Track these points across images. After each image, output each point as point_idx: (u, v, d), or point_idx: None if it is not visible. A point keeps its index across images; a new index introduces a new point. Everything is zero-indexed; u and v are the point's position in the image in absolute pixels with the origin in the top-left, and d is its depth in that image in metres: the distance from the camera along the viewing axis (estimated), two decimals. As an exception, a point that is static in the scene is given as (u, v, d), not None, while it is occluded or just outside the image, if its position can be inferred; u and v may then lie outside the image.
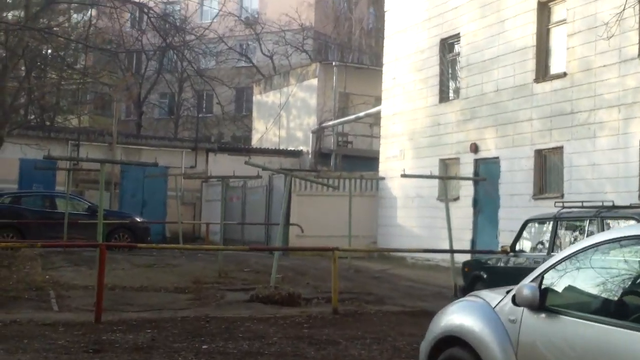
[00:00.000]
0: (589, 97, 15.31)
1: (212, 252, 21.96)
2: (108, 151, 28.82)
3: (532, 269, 10.43)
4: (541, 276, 5.07)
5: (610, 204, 10.23)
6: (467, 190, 19.05)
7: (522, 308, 4.96)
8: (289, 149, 32.58)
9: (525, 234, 11.12)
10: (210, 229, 28.42)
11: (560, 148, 16.09)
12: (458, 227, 19.18)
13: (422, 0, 21.53)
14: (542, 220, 10.91)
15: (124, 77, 44.96)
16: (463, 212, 19.20)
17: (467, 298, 6.03)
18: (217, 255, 21.23)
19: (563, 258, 4.97)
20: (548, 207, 16.20)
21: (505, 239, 17.34)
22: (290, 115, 33.52)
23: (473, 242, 18.83)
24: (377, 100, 31.61)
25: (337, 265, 11.71)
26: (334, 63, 30.86)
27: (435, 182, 20.36)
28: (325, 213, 23.44)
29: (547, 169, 16.67)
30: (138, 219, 22.45)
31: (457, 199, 19.52)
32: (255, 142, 36.09)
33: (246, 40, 46.17)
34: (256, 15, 45.58)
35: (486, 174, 18.19)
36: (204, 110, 48.66)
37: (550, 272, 5.05)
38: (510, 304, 5.16)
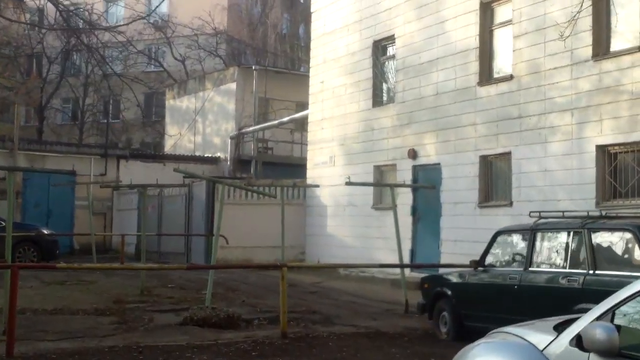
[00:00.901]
0: (539, 101, 14.61)
1: (130, 268, 20.37)
2: (9, 158, 26.57)
3: (508, 287, 9.62)
4: (611, 313, 4.00)
5: (598, 213, 9.39)
6: (404, 198, 18.10)
7: (588, 354, 3.89)
8: (205, 155, 31.05)
9: (496, 246, 10.16)
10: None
11: (508, 154, 15.33)
12: (395, 237, 18.26)
13: (353, 0, 20.54)
14: (516, 232, 9.96)
15: (25, 80, 42.44)
16: (401, 220, 18.15)
17: (495, 336, 4.90)
18: (134, 270, 19.66)
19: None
20: (495, 216, 15.48)
21: (448, 249, 16.51)
22: (206, 120, 32.02)
23: (412, 252, 17.91)
24: (299, 106, 30.61)
25: (285, 283, 10.45)
26: (253, 67, 29.58)
27: (370, 189, 19.38)
28: (251, 223, 22.14)
29: (493, 176, 15.90)
30: (45, 231, 20.51)
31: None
32: (168, 148, 34.37)
33: (156, 44, 44.33)
34: (166, 19, 43.73)
35: (426, 181, 17.32)
36: (110, 115, 46.50)
37: (625, 307, 3.99)
38: (568, 346, 4.06)
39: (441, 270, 12.86)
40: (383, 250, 18.77)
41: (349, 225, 20.25)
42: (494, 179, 15.88)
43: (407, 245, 17.99)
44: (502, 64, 15.92)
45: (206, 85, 32.20)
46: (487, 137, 15.82)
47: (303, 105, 30.52)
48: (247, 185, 19.40)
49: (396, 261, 18.34)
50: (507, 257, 9.92)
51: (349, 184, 13.27)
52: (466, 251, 16.06)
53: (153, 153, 32.76)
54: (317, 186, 17.74)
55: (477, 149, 16.08)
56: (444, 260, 16.67)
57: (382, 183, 14.00)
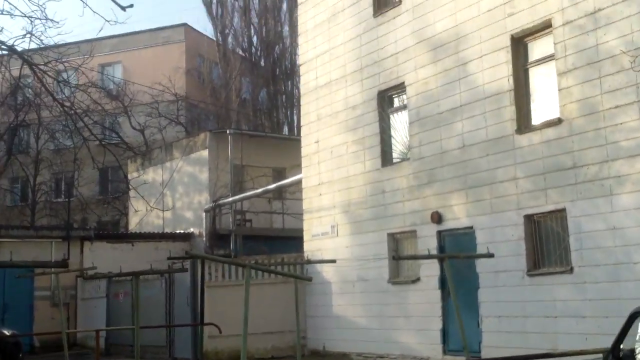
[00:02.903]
0: (599, 147, 12.43)
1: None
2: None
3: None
4: None
5: None
6: (429, 268, 15.63)
7: None
8: (177, 231, 28.21)
9: (634, 329, 7.71)
10: (89, 334, 23.52)
11: (561, 211, 13.04)
12: (420, 315, 15.82)
13: (351, 47, 18.36)
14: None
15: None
16: (426, 296, 15.74)
17: None
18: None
19: None
20: (551, 285, 13.09)
21: (490, 327, 14.03)
22: (176, 193, 29.25)
23: (444, 332, 15.34)
24: (277, 172, 28.19)
25: None
26: (228, 131, 27.05)
27: (384, 262, 16.89)
28: (242, 306, 19.30)
29: (543, 238, 13.55)
30: (6, 332, 17.37)
31: (416, 280, 16.06)
32: (133, 226, 31.37)
33: (112, 114, 41.63)
34: (120, 88, 41.16)
35: (455, 248, 14.92)
36: (62, 194, 43.37)
37: None
38: None
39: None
40: (405, 331, 16.25)
41: (360, 303, 17.63)
42: (544, 241, 13.53)
43: (436, 325, 15.49)
44: (545, 107, 13.76)
45: (174, 154, 29.55)
46: (533, 193, 13.54)
47: (280, 172, 28.24)
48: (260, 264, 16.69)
49: (422, 341, 15.88)
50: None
51: (397, 258, 10.75)
52: (515, 328, 13.71)
53: (120, 233, 29.73)
54: (334, 261, 15.19)
55: (520, 207, 13.76)
56: (487, 340, 14.18)
57: (434, 255, 11.52)
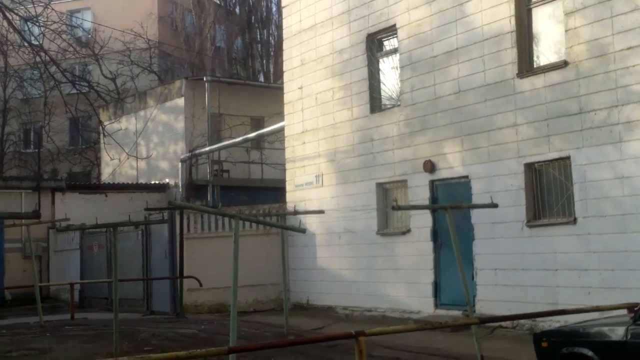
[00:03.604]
0: (608, 91, 11.72)
1: (84, 324, 16.63)
2: None
3: None
4: None
5: None
6: (421, 219, 14.99)
7: None
8: (152, 182, 27.29)
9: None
10: (62, 287, 22.76)
11: (565, 159, 12.37)
12: (411, 267, 15.23)
13: (336, -11, 17.41)
14: None
15: None
16: (417, 248, 15.11)
17: None
18: (90, 327, 15.95)
19: None
20: (552, 237, 12.48)
21: (486, 280, 13.44)
22: (150, 143, 28.23)
23: (436, 285, 14.75)
24: (255, 121, 27.32)
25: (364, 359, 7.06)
26: (205, 78, 26.02)
27: (372, 212, 16.22)
28: (222, 259, 18.60)
29: (544, 187, 12.89)
30: (-25, 285, 16.52)
31: (406, 231, 15.42)
32: (106, 177, 30.36)
33: (82, 62, 40.15)
34: (90, 35, 39.65)
35: (449, 198, 14.23)
36: (31, 145, 42.06)
37: None
38: None
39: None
40: (394, 284, 15.66)
41: (346, 256, 16.97)
42: (546, 191, 12.87)
43: (427, 278, 14.90)
44: (549, 50, 12.99)
45: (148, 102, 28.45)
46: (534, 140, 12.85)
47: (258, 121, 27.34)
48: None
49: (412, 294, 15.31)
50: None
51: (396, 208, 10.01)
52: (512, 281, 13.15)
53: (93, 183, 28.70)
54: (322, 212, 14.49)
55: (520, 155, 13.08)
56: (481, 294, 13.61)
57: (436, 205, 10.71)
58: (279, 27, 45.24)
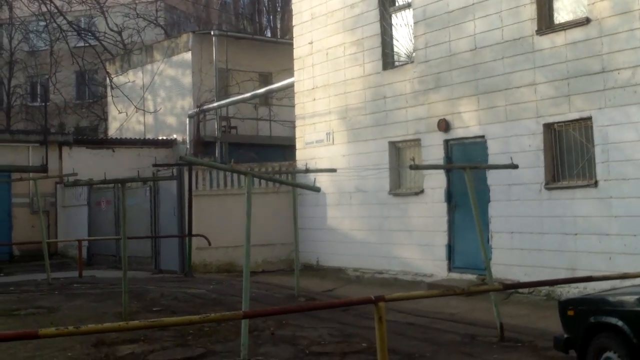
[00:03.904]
0: (632, 49, 11.28)
1: (92, 283, 16.49)
2: None
3: None
4: None
5: None
6: (434, 180, 14.67)
7: None
8: (159, 137, 26.97)
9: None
10: (70, 243, 22.60)
11: (587, 120, 11.99)
12: (424, 229, 14.95)
13: (347, -60, 16.84)
14: None
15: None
16: (430, 209, 14.82)
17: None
18: (98, 286, 15.80)
19: None
20: (571, 199, 12.15)
21: (502, 243, 13.16)
22: (157, 98, 27.81)
23: (450, 248, 14.48)
24: (263, 77, 26.87)
25: (384, 326, 6.76)
26: (212, 32, 25.50)
27: (385, 172, 15.90)
28: (231, 217, 18.40)
29: (564, 149, 12.53)
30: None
31: (419, 192, 15.12)
32: (113, 131, 30.04)
33: (87, 15, 39.54)
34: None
35: (464, 158, 13.90)
36: (38, 98, 41.69)
37: None
38: None
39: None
40: (406, 245, 15.39)
41: (357, 216, 16.70)
42: (565, 152, 12.51)
43: (441, 240, 14.62)
44: (570, 6, 12.49)
45: (155, 56, 27.96)
46: (554, 100, 12.45)
47: (266, 77, 26.89)
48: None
49: (425, 257, 15.06)
50: None
51: (414, 167, 9.67)
52: (529, 245, 12.86)
53: (100, 138, 28.38)
54: (334, 170, 14.18)
55: (539, 115, 12.69)
56: (497, 257, 13.33)
57: (455, 165, 10.30)
58: (286, -18, 44.76)
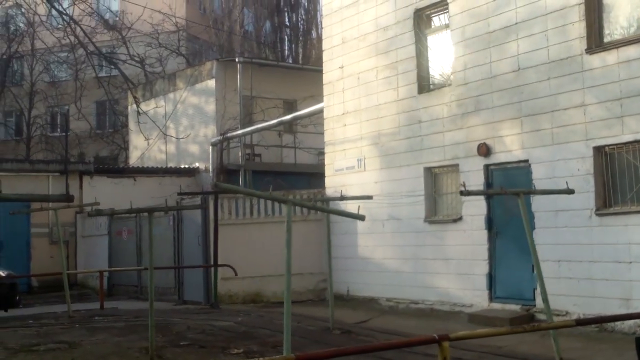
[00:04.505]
0: (693, 67, 10.64)
1: (114, 315, 15.85)
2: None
3: None
4: None
5: None
6: (474, 207, 14.00)
7: None
8: (182, 166, 26.48)
9: None
10: (89, 273, 22.04)
11: (642, 142, 11.32)
12: (462, 258, 14.25)
13: (380, -38, 16.38)
14: None
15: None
16: (469, 237, 14.12)
17: None
18: (121, 318, 15.15)
19: None
20: (624, 226, 11.42)
21: (549, 272, 12.38)
22: (179, 126, 27.37)
23: (491, 277, 13.75)
24: (288, 104, 26.41)
25: None
26: (237, 59, 25.11)
27: (420, 198, 15.24)
28: (258, 246, 17.81)
29: (617, 173, 11.84)
30: (1, 273, 15.71)
31: (457, 219, 14.44)
32: (134, 161, 29.62)
33: (108, 46, 39.40)
34: (117, 17, 38.88)
35: (505, 184, 13.13)
36: (58, 129, 41.53)
37: None
38: None
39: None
40: (443, 275, 14.67)
41: (390, 244, 16.02)
42: (618, 176, 11.82)
43: (481, 269, 13.90)
44: (623, 22, 11.90)
45: (177, 84, 27.61)
46: (605, 122, 11.79)
47: (291, 104, 26.44)
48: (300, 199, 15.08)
49: (464, 287, 14.34)
50: None
51: (466, 193, 9.01)
52: (579, 274, 12.11)
53: (121, 167, 27.93)
54: (370, 197, 13.54)
55: (589, 137, 12.03)
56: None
57: (509, 190, 9.66)
58: (307, 11, 44.53)
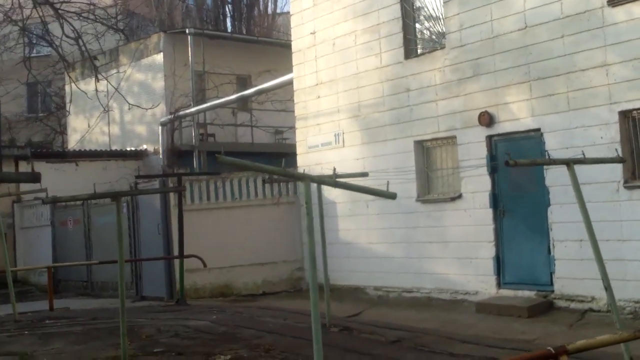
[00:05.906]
0: None
1: (67, 317, 13.96)
2: None
3: None
4: None
5: None
6: (476, 182, 12.58)
7: None
8: (128, 149, 24.44)
9: None
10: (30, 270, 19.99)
11: (677, 104, 10.02)
12: (463, 240, 12.82)
13: None
14: None
15: None
16: (471, 216, 12.69)
17: None
18: (77, 321, 13.29)
19: None
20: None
21: (568, 254, 11.09)
22: (124, 105, 25.22)
23: (499, 260, 12.35)
24: (241, 80, 24.65)
25: None
26: (187, 31, 23.15)
27: (410, 175, 13.74)
28: (226, 233, 16.11)
29: (645, 140, 10.55)
30: None
31: (456, 197, 12.99)
32: (74, 144, 27.36)
33: (37, 23, 36.72)
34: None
35: (512, 156, 11.75)
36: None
37: None
38: None
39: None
40: (441, 259, 13.24)
41: (377, 227, 14.49)
42: (647, 144, 10.54)
43: (487, 252, 12.49)
44: (652, -31, 10.57)
45: (120, 60, 25.49)
46: (632, 83, 10.45)
47: (244, 79, 24.68)
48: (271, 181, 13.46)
49: (466, 272, 12.93)
50: None
51: (512, 164, 7.47)
52: (606, 255, 10.59)
53: (62, 151, 25.70)
54: (366, 175, 11.94)
55: (613, 101, 10.69)
56: (561, 270, 11.28)
57: (557, 160, 8.23)
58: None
